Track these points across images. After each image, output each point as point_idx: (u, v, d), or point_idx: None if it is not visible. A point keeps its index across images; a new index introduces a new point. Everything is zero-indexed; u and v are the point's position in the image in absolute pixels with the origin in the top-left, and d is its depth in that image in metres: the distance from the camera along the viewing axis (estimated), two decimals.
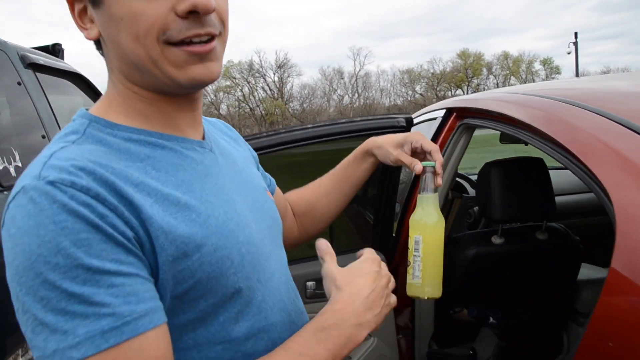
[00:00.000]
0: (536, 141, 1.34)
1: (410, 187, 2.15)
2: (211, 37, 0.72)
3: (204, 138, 0.84)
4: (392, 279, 0.88)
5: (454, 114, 1.96)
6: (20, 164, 2.29)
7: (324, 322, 0.76)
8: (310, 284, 1.89)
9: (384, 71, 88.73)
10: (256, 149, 1.19)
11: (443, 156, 1.92)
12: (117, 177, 0.66)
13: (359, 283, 0.80)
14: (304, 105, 62.25)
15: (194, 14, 0.68)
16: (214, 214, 0.74)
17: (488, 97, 1.82)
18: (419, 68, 65.62)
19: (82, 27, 0.75)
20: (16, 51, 2.64)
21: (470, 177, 3.48)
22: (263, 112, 59.53)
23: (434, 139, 2.00)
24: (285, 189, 1.25)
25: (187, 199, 0.72)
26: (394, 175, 1.89)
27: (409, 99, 64.88)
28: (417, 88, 65.75)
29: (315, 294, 1.89)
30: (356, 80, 63.28)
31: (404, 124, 1.71)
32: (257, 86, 60.57)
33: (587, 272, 2.17)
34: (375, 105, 62.38)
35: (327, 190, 1.21)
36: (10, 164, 2.23)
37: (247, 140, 1.11)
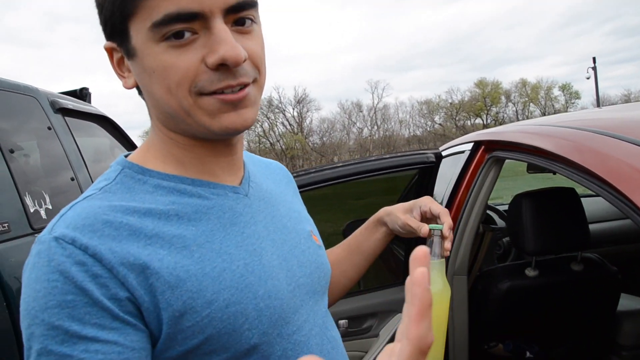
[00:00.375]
0: (566, 171, 1.33)
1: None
2: (244, 85, 0.70)
3: (241, 182, 0.82)
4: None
5: (482, 146, 1.94)
6: (50, 207, 2.33)
7: None
8: (342, 322, 1.86)
9: (402, 103, 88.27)
10: None
11: (472, 189, 1.90)
12: (127, 230, 0.66)
13: None
14: (324, 139, 62.83)
15: (225, 66, 0.67)
16: (231, 267, 0.71)
17: (516, 130, 1.80)
18: (437, 98, 66.13)
19: (120, 76, 0.76)
20: (46, 97, 2.72)
21: (497, 207, 3.44)
22: (283, 146, 60.15)
23: (463, 172, 1.98)
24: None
25: (203, 251, 0.70)
26: None
27: (428, 129, 65.07)
28: (436, 118, 66.07)
29: (347, 332, 1.87)
30: (375, 112, 63.77)
31: (434, 159, 1.70)
32: (276, 121, 61.46)
33: (627, 302, 2.10)
34: (395, 136, 62.59)
35: (337, 260, 1.14)
36: (41, 206, 2.27)
37: None
